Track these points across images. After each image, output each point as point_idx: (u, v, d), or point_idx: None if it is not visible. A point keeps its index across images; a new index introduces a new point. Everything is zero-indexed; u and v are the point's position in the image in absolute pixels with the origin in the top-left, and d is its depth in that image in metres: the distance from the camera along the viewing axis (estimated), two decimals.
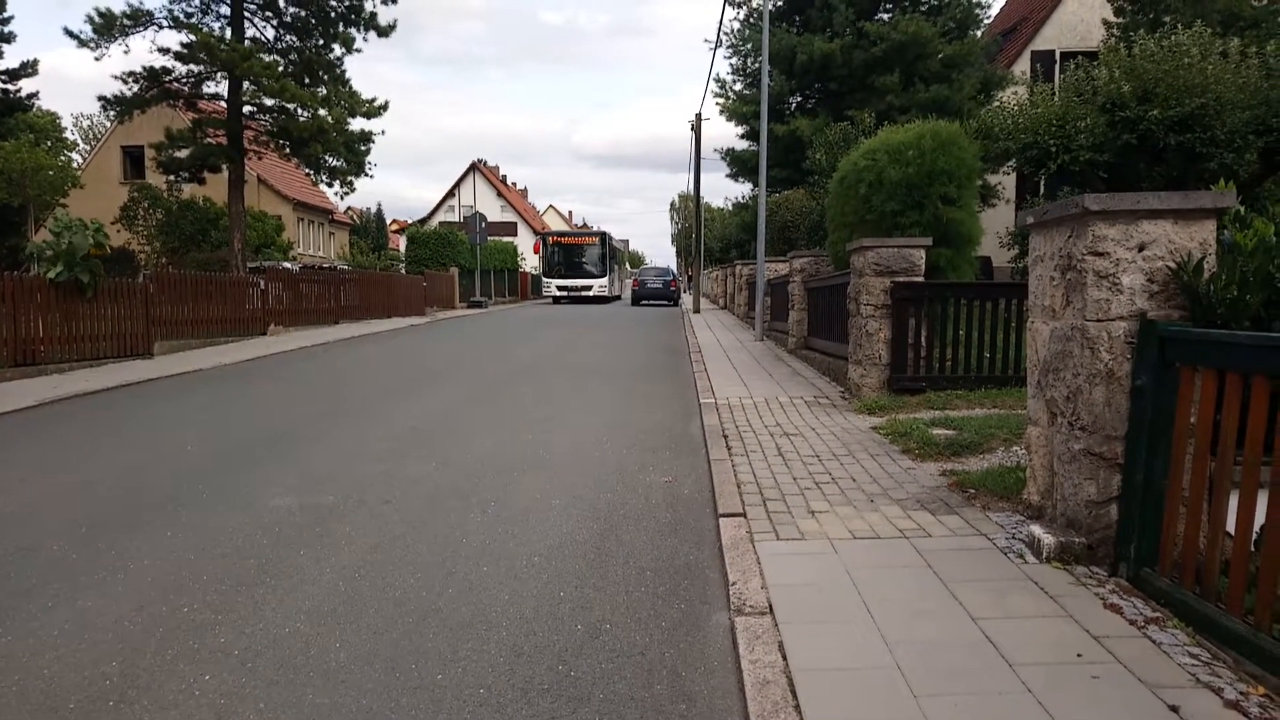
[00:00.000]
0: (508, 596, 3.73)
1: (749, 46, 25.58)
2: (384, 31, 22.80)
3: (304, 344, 16.12)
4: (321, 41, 22.68)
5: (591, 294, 39.37)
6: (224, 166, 22.29)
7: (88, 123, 54.42)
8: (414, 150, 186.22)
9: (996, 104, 17.59)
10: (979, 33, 24.70)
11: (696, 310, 28.21)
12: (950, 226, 9.24)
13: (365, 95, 22.61)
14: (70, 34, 19.86)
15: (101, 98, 21.36)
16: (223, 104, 22.53)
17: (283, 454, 6.66)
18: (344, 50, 22.74)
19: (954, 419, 6.83)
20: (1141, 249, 3.66)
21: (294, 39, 22.72)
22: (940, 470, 5.55)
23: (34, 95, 29.37)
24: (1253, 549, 2.98)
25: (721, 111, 26.87)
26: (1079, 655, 2.95)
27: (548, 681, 2.99)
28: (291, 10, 22.26)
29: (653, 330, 20.64)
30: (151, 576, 3.99)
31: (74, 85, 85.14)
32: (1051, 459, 4.14)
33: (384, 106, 22.81)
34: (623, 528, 4.70)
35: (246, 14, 21.83)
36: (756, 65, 24.38)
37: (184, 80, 21.94)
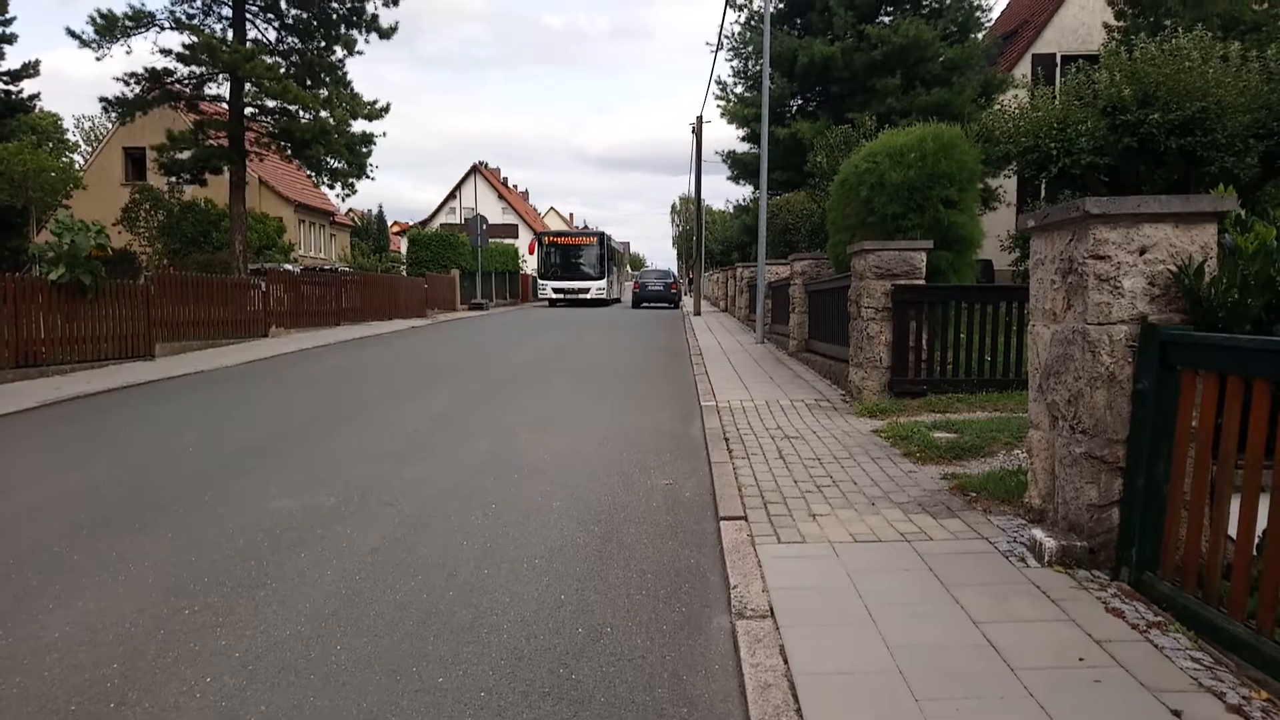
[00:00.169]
0: (509, 599, 3.73)
1: (750, 49, 25.61)
2: (386, 33, 22.83)
3: (305, 346, 16.13)
4: (323, 43, 22.71)
5: (589, 297, 38.17)
6: (225, 168, 22.31)
7: (89, 124, 54.56)
8: (415, 152, 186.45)
9: (997, 107, 17.61)
10: (980, 36, 24.72)
11: (697, 313, 28.22)
12: (951, 229, 9.24)
13: (367, 97, 22.65)
14: (72, 34, 19.88)
15: (103, 99, 21.39)
16: (224, 106, 22.55)
17: (284, 455, 6.66)
18: (345, 52, 22.78)
19: (955, 422, 6.83)
20: (1142, 252, 3.66)
21: (296, 41, 22.75)
22: (941, 473, 5.55)
23: (35, 96, 29.40)
24: (1255, 552, 2.98)
25: (722, 114, 26.90)
26: (1081, 659, 2.94)
27: (549, 684, 2.98)
28: (293, 12, 22.28)
29: (653, 333, 20.64)
30: (153, 578, 3.99)
31: (76, 86, 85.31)
32: (1053, 462, 4.14)
33: (385, 108, 22.83)
34: (624, 530, 4.70)
35: (248, 16, 21.85)
36: (757, 68, 24.40)
37: (186, 82, 21.96)
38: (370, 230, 58.63)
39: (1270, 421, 2.89)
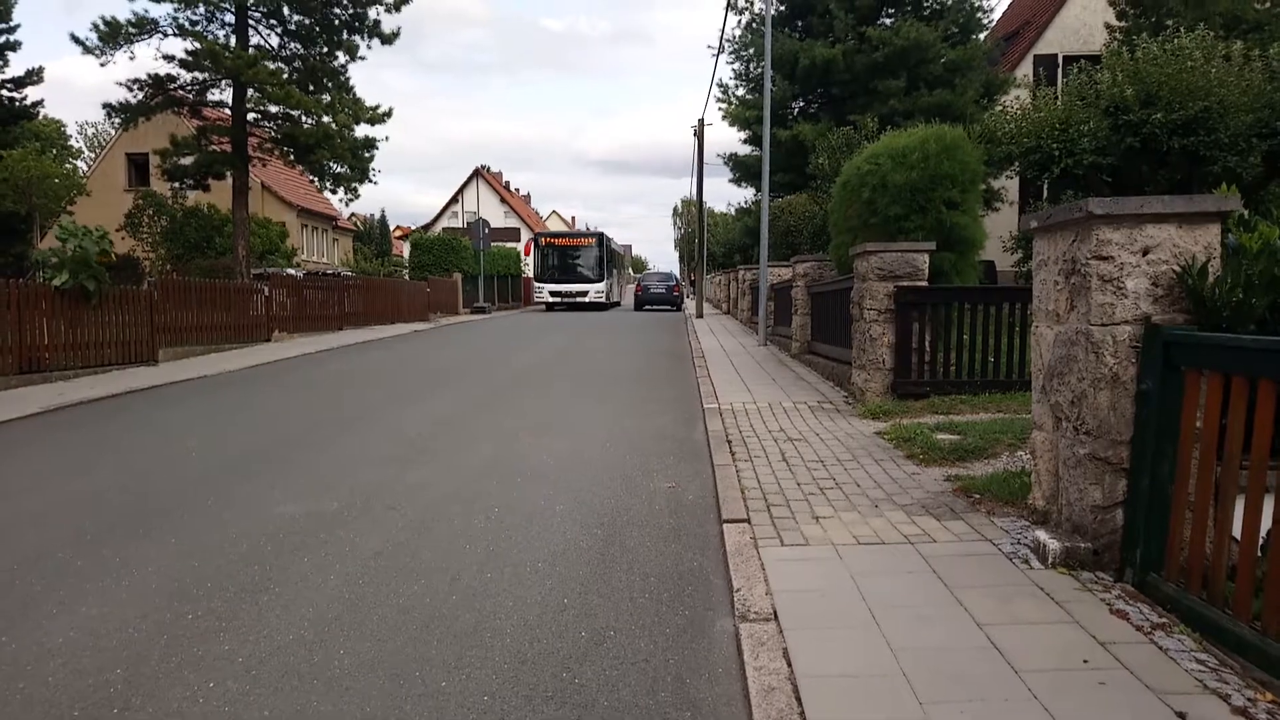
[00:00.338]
0: (512, 603, 3.73)
1: (751, 52, 25.63)
2: (388, 39, 22.88)
3: (308, 350, 16.15)
4: (325, 49, 22.77)
5: (588, 300, 36.51)
6: (228, 173, 22.37)
7: (93, 130, 54.73)
8: (418, 156, 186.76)
9: (999, 108, 17.59)
10: (981, 37, 24.72)
11: (699, 315, 28.22)
12: (954, 231, 9.23)
13: (369, 102, 22.71)
14: (76, 40, 19.97)
15: (106, 105, 21.48)
16: (227, 111, 22.61)
17: (287, 460, 6.67)
18: (348, 58, 22.83)
19: (958, 424, 6.82)
20: (1146, 253, 3.65)
21: (298, 46, 22.81)
22: (944, 475, 5.54)
23: (39, 103, 29.55)
24: (1259, 554, 2.97)
25: (724, 117, 26.91)
26: (1085, 661, 2.93)
27: (552, 688, 2.98)
28: (296, 18, 22.34)
29: (655, 335, 20.64)
30: (156, 583, 3.99)
31: (79, 93, 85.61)
32: (1057, 464, 4.13)
33: (388, 113, 22.88)
34: (626, 534, 4.69)
35: (251, 22, 21.92)
36: (758, 70, 24.42)
37: (189, 88, 22.02)
38: (373, 234, 58.69)
39: (1275, 422, 2.88)
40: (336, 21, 22.57)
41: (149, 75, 21.33)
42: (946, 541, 4.24)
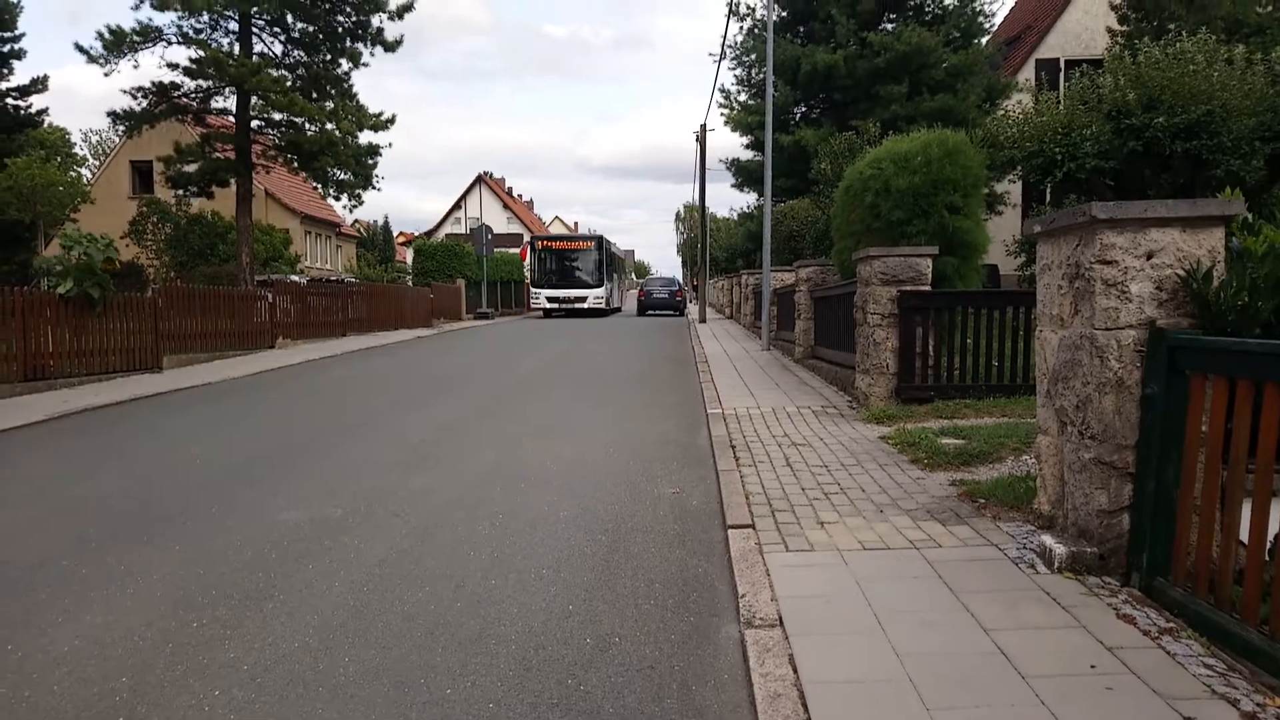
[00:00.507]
0: (516, 610, 3.73)
1: (753, 58, 25.66)
2: (391, 46, 22.97)
3: (312, 357, 16.17)
4: (329, 56, 22.86)
5: (586, 306, 34.97)
6: (232, 181, 22.44)
7: (97, 138, 54.91)
8: (420, 163, 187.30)
9: (1002, 112, 17.58)
10: (983, 41, 24.73)
11: (702, 320, 28.21)
12: (956, 235, 9.23)
13: (372, 109, 22.79)
14: (81, 49, 20.06)
15: (111, 113, 21.58)
16: (231, 119, 22.70)
17: (291, 467, 6.67)
18: (351, 65, 22.92)
19: (963, 428, 6.80)
20: (1150, 257, 3.64)
21: (302, 54, 22.91)
22: (949, 480, 5.53)
23: (44, 111, 29.60)
24: (1267, 558, 2.96)
25: (726, 122, 26.93)
26: (1092, 666, 2.92)
27: (557, 695, 2.97)
28: (299, 26, 22.45)
29: (659, 340, 20.65)
30: (161, 591, 3.99)
31: (84, 101, 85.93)
32: (1062, 468, 4.12)
33: (391, 120, 22.95)
34: (631, 540, 4.69)
35: (255, 30, 22.01)
36: (760, 76, 24.44)
37: (193, 95, 22.12)
38: (376, 241, 58.84)
39: None
40: (339, 29, 22.67)
41: (153, 83, 21.44)
42: (952, 546, 4.23)
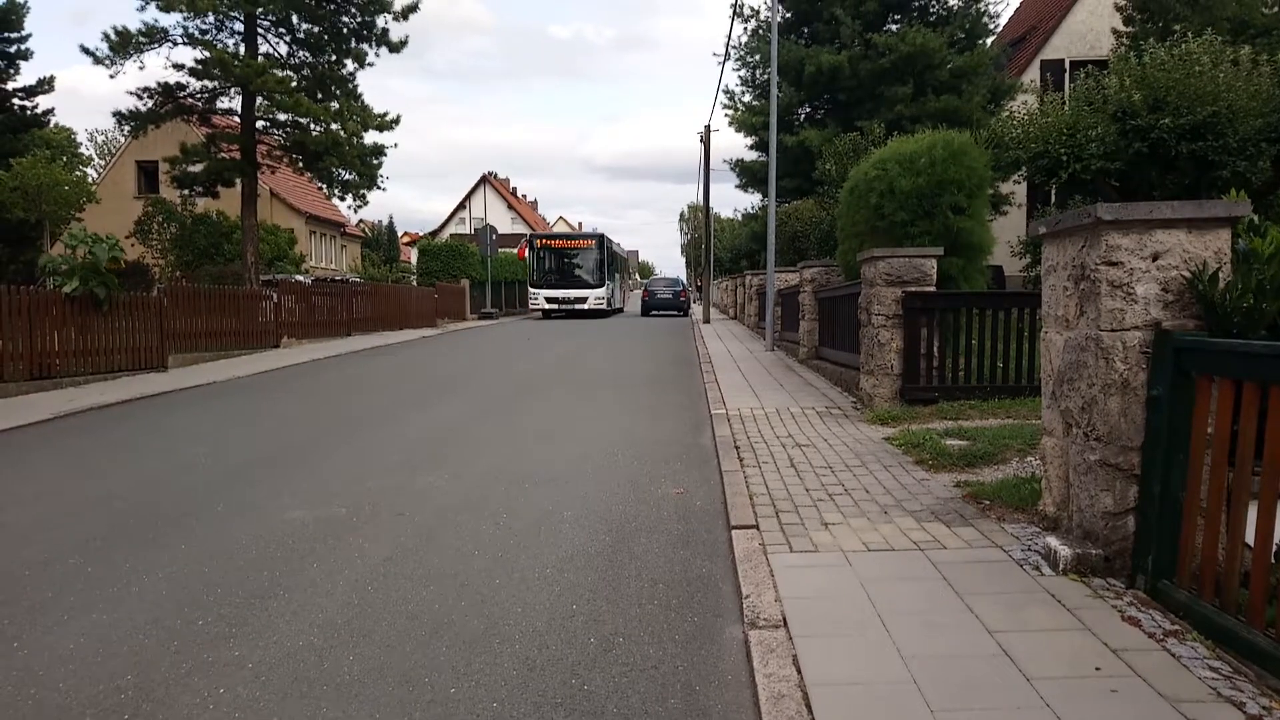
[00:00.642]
0: (520, 609, 3.73)
1: (757, 59, 25.67)
2: (396, 47, 23.02)
3: (316, 356, 16.20)
4: (334, 57, 22.90)
5: (586, 307, 33.48)
6: (237, 181, 22.50)
7: (103, 138, 55.07)
8: (425, 163, 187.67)
9: (1006, 113, 17.55)
10: (988, 42, 24.70)
11: (706, 320, 28.21)
12: (961, 236, 9.22)
13: (377, 109, 22.84)
14: (86, 51, 20.12)
15: (116, 113, 21.64)
16: (236, 119, 22.77)
17: (295, 466, 6.69)
18: (356, 65, 22.97)
19: (967, 429, 6.79)
20: (1155, 258, 3.64)
21: (307, 55, 22.95)
22: (954, 481, 5.52)
23: (50, 111, 29.78)
24: (1273, 560, 2.95)
25: (730, 123, 26.95)
26: (1097, 669, 2.91)
27: (561, 695, 2.98)
28: (304, 27, 22.49)
29: (663, 340, 20.65)
30: (166, 589, 4.00)
31: (89, 101, 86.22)
32: (1067, 470, 4.11)
33: (396, 120, 22.99)
34: (635, 540, 4.69)
35: (260, 30, 22.06)
36: (765, 77, 24.45)
37: (198, 96, 22.18)
38: (381, 241, 58.92)
39: None
40: (345, 29, 22.72)
41: (159, 84, 21.52)
42: (956, 548, 4.22)
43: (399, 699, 2.96)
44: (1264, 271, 3.38)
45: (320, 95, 22.41)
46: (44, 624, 3.62)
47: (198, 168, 22.51)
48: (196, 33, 21.10)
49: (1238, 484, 3.10)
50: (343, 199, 25.10)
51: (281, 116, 22.36)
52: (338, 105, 22.32)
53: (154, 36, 20.55)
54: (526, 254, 35.74)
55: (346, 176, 23.24)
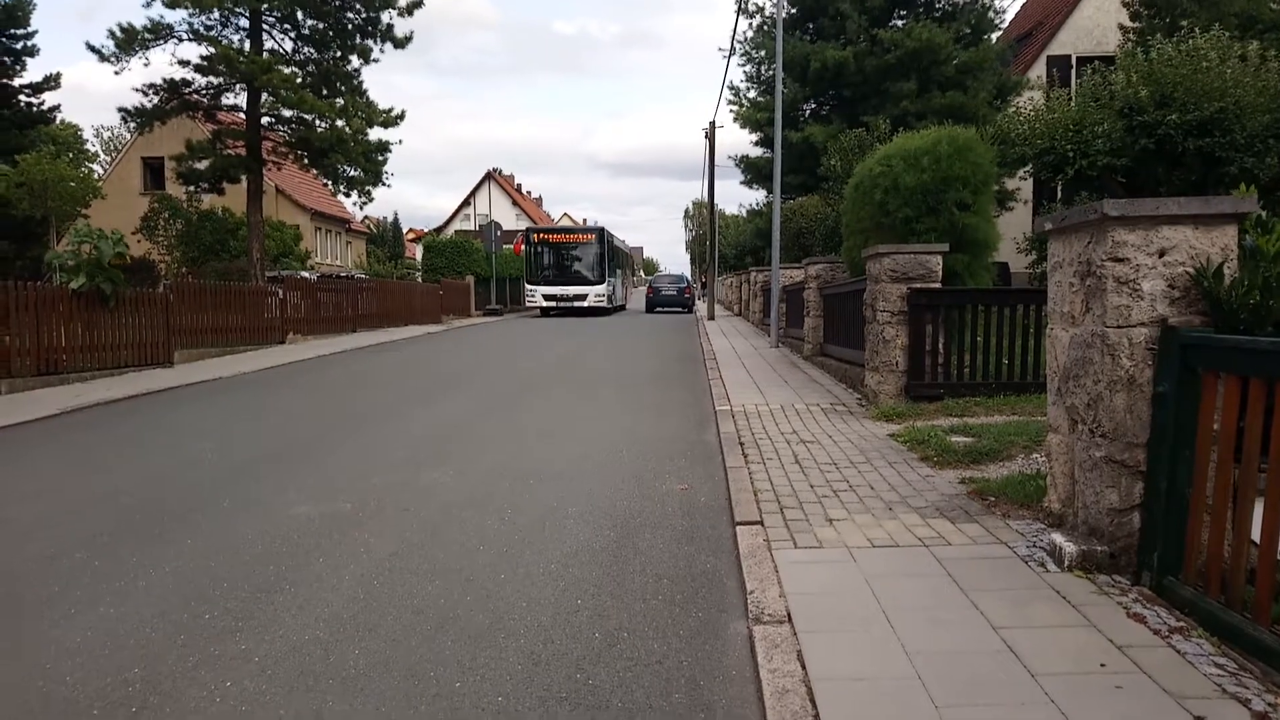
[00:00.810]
0: (525, 604, 3.74)
1: (762, 54, 25.61)
2: (400, 43, 23.03)
3: (321, 352, 16.24)
4: (339, 53, 22.94)
5: (586, 305, 31.81)
6: (243, 177, 22.55)
7: (109, 134, 55.20)
8: (430, 160, 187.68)
9: (1012, 109, 17.51)
10: (994, 38, 24.61)
11: (711, 317, 28.20)
12: (966, 232, 9.20)
13: (382, 105, 22.87)
14: (93, 49, 20.19)
15: (122, 109, 21.73)
16: (242, 115, 22.80)
17: (301, 462, 6.71)
18: (361, 61, 23.02)
19: (972, 426, 6.78)
20: (1162, 255, 3.63)
21: (312, 51, 22.98)
22: (959, 478, 5.51)
23: (56, 108, 29.85)
24: (1279, 557, 2.94)
25: (735, 119, 26.89)
26: (1102, 665, 2.91)
27: (565, 690, 2.98)
28: (309, 23, 22.52)
29: (667, 337, 20.65)
30: (173, 583, 4.02)
31: (96, 98, 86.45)
32: (1072, 466, 4.10)
33: (401, 116, 23.01)
34: (639, 536, 4.69)
35: (265, 27, 22.09)
36: (770, 73, 24.40)
37: (203, 92, 22.22)
38: (386, 237, 59.00)
39: None
40: (349, 25, 22.74)
41: (164, 80, 21.57)
42: (961, 544, 4.22)
43: (404, 693, 2.97)
44: (1270, 268, 3.37)
45: (325, 91, 22.44)
46: (51, 618, 3.64)
47: (203, 164, 22.56)
48: (202, 29, 21.16)
49: (1244, 480, 3.09)
50: (348, 195, 25.16)
51: (286, 113, 22.40)
52: (343, 101, 22.35)
53: (159, 33, 20.61)
54: (523, 249, 33.98)
55: (351, 173, 23.28)
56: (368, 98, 23.06)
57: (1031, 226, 17.24)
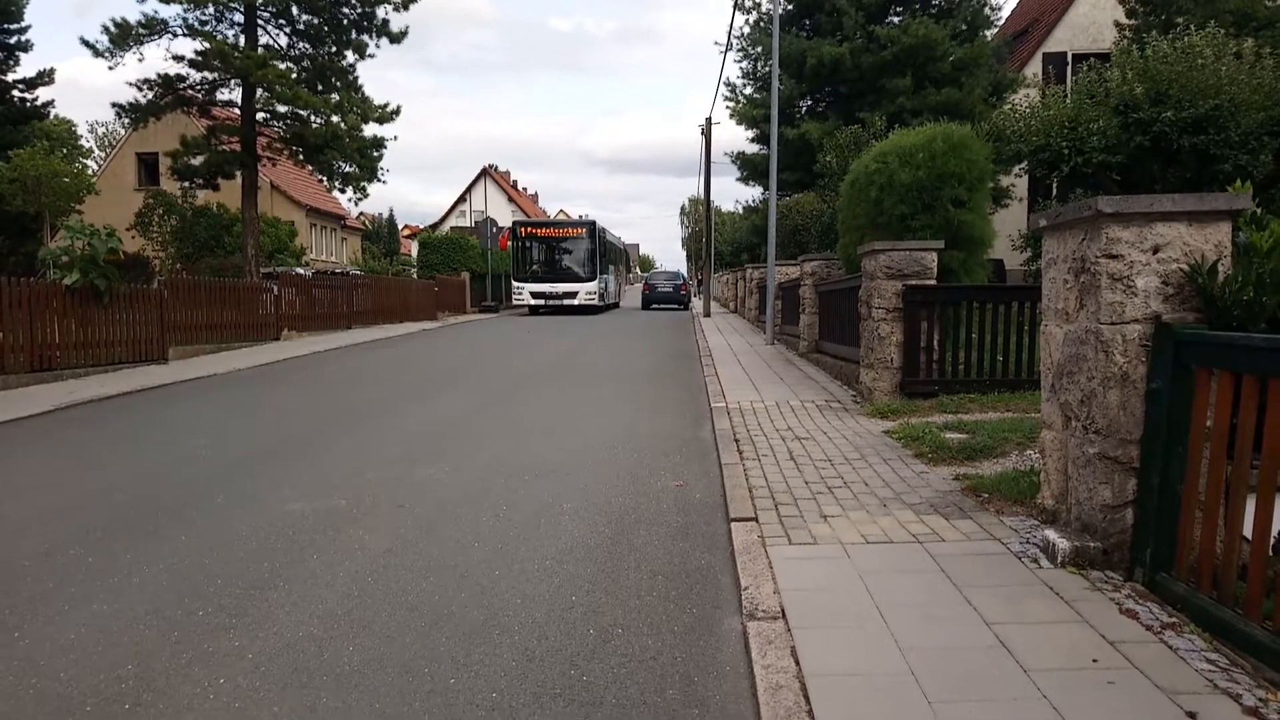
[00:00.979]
0: (520, 600, 3.74)
1: (758, 51, 25.62)
2: (396, 38, 22.96)
3: (317, 349, 16.20)
4: (334, 48, 22.85)
5: (576, 303, 30.18)
6: (238, 173, 22.46)
7: (103, 130, 55.00)
8: (426, 156, 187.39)
9: (1008, 106, 17.52)
10: (990, 35, 24.64)
11: (707, 314, 28.20)
12: (961, 229, 9.22)
13: (377, 101, 22.79)
14: (87, 44, 20.11)
15: (116, 104, 21.63)
16: (236, 111, 22.72)
17: (295, 458, 6.70)
18: (356, 57, 22.93)
19: (967, 423, 6.80)
20: (1156, 251, 3.63)
21: (307, 46, 22.90)
22: (953, 474, 5.52)
23: (50, 104, 29.78)
24: (1271, 553, 2.95)
25: (731, 115, 26.92)
26: (1094, 661, 2.92)
27: (560, 686, 2.99)
28: (304, 18, 22.43)
29: (663, 334, 20.65)
30: (166, 580, 4.01)
31: (89, 93, 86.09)
32: (1066, 463, 4.11)
33: (396, 112, 22.93)
34: (634, 532, 4.70)
35: (260, 22, 22.00)
36: (766, 69, 24.41)
37: (198, 87, 22.13)
38: (381, 234, 58.94)
39: None
40: (345, 21, 22.66)
41: (158, 75, 21.48)
42: (955, 540, 4.23)
43: (399, 689, 2.97)
44: (1264, 265, 3.38)
45: (320, 87, 22.37)
46: (45, 614, 3.63)
47: (198, 160, 22.48)
48: (196, 24, 21.06)
49: (1236, 477, 3.10)
50: (343, 191, 25.08)
51: (281, 108, 22.32)
52: (338, 97, 22.28)
53: (154, 28, 20.51)
54: (509, 244, 32.09)
55: (347, 169, 23.21)
56: (363, 93, 22.99)
57: (1026, 223, 17.26)
